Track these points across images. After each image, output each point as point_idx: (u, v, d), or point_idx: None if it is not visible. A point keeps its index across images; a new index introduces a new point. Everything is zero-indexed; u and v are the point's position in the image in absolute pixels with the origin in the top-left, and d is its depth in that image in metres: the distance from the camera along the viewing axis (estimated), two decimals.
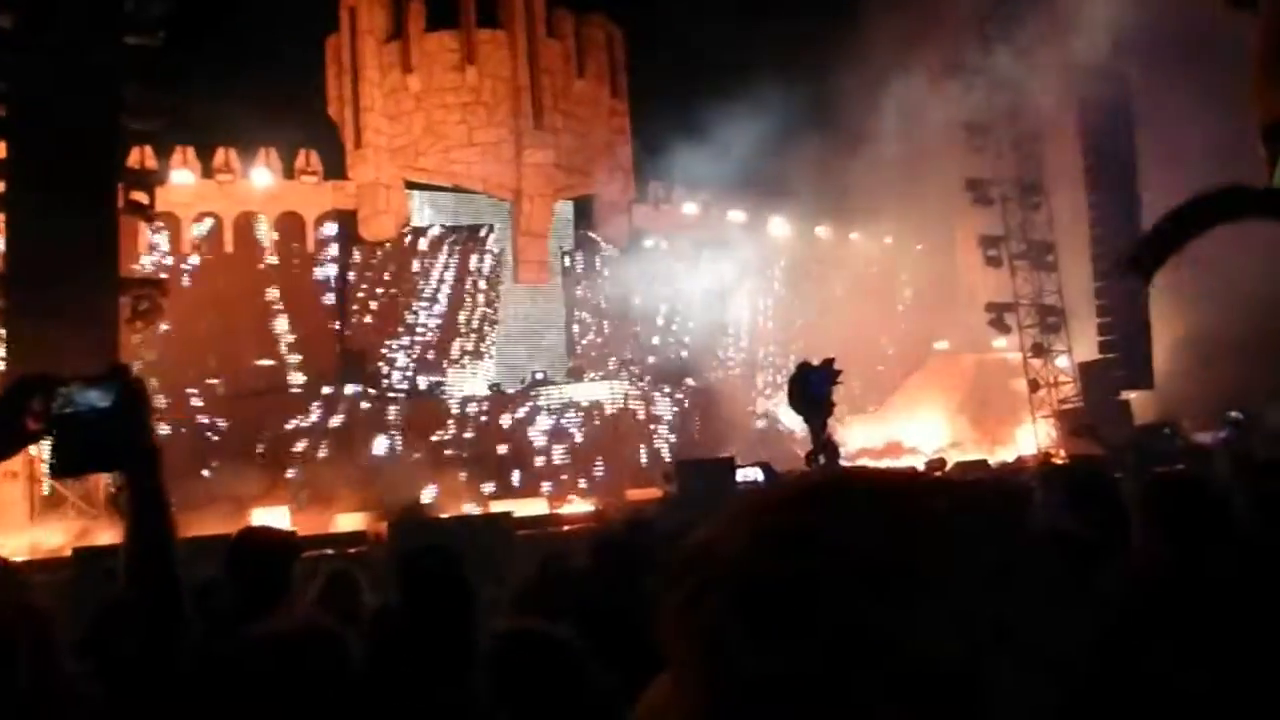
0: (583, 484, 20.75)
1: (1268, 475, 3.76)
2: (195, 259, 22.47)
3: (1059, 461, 16.24)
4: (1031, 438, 22.91)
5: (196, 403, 21.21)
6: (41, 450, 1.79)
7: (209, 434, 20.87)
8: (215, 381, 21.64)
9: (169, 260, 21.95)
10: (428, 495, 18.05)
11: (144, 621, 1.76)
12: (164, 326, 18.03)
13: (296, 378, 22.32)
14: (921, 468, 16.20)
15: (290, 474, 19.49)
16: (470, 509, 16.98)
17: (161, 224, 20.43)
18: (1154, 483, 2.96)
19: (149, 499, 1.76)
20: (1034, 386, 23.16)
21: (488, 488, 20.09)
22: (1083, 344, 22.74)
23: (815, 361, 5.66)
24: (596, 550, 3.71)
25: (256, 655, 1.45)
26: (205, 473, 19.28)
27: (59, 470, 1.78)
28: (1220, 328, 19.44)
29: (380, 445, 20.62)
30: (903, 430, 25.53)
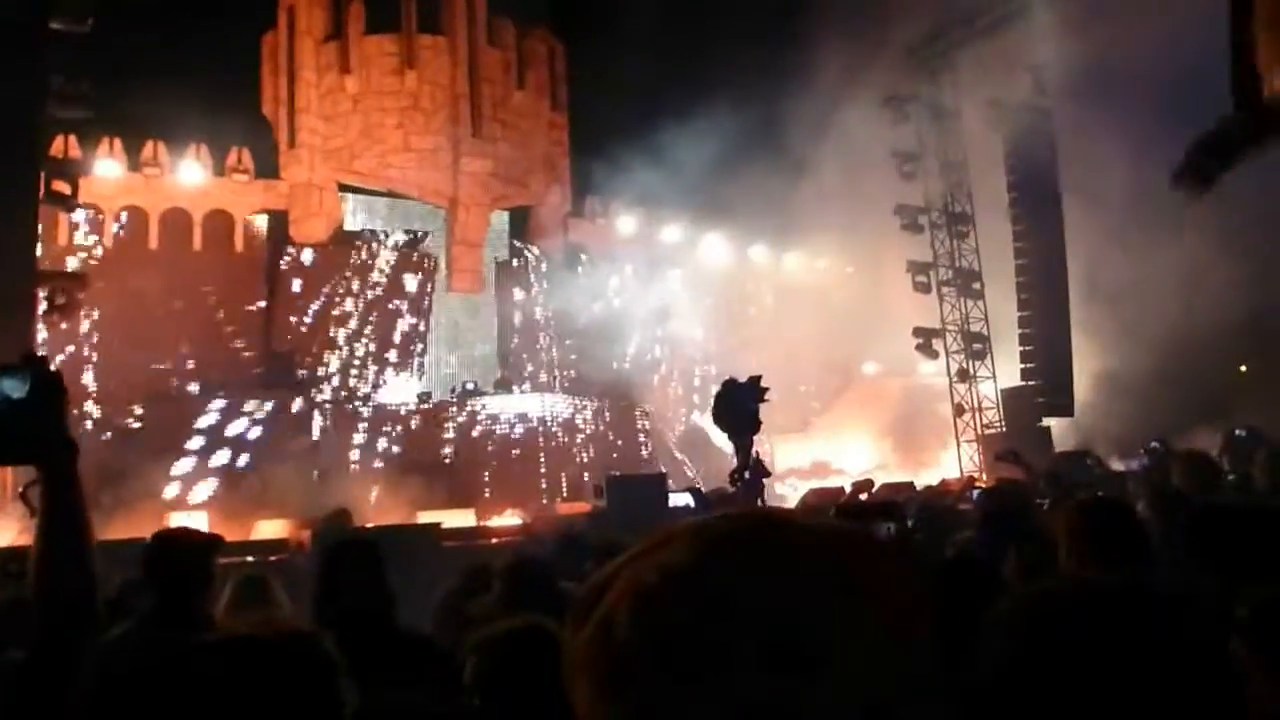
0: (511, 497, 20.59)
1: (1178, 504, 3.89)
2: (111, 253, 21.83)
3: (984, 484, 16.60)
4: (956, 461, 23.37)
5: (115, 401, 20.54)
6: None
7: (126, 435, 20.23)
8: (140, 379, 21.01)
9: (92, 252, 21.29)
10: (352, 504, 17.70)
11: (52, 622, 1.69)
12: (83, 321, 17.48)
13: (223, 380, 21.78)
14: (849, 489, 16.40)
15: (210, 479, 19.01)
16: (397, 519, 16.72)
17: (85, 215, 19.84)
18: (1080, 506, 3.03)
19: (64, 494, 1.68)
20: (959, 411, 23.63)
21: (415, 498, 19.81)
22: (1006, 371, 23.28)
23: (742, 379, 5.68)
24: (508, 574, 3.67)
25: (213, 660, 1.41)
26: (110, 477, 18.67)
27: None
28: (1137, 361, 20.11)
29: (304, 452, 20.20)
30: (830, 451, 25.87)
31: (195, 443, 19.85)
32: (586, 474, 21.43)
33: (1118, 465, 14.11)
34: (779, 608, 0.60)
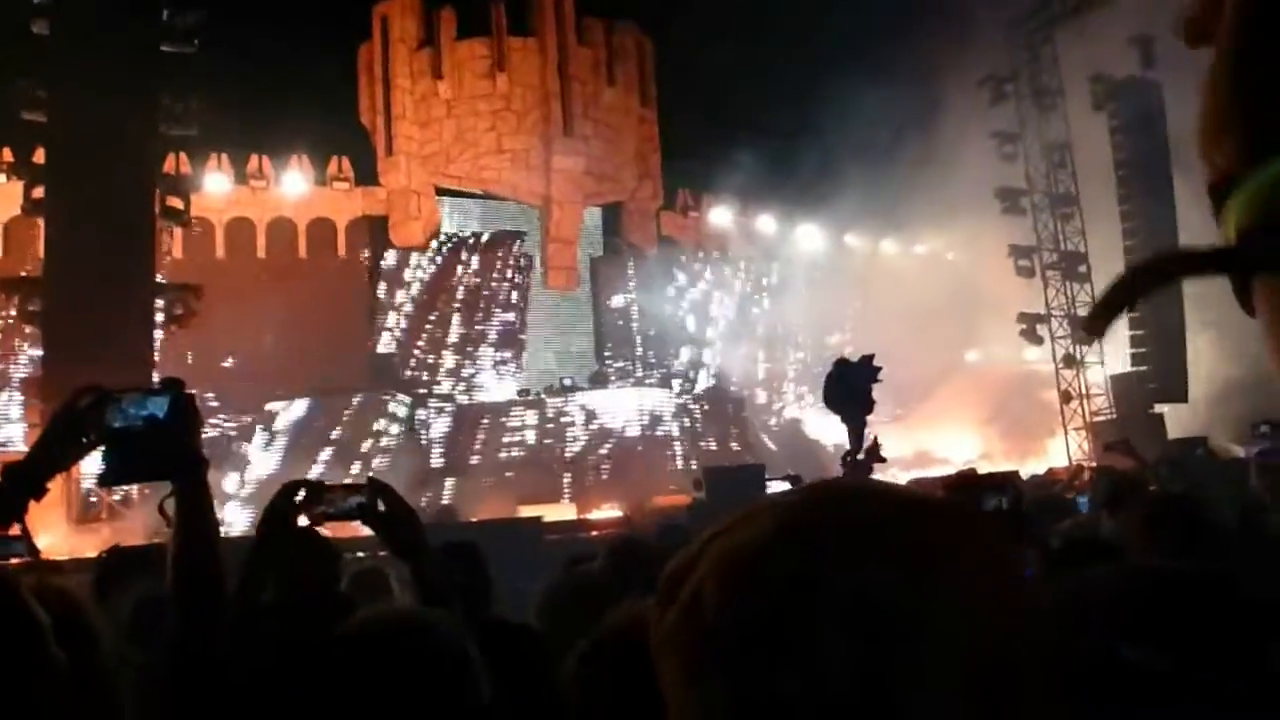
0: (610, 490, 20.74)
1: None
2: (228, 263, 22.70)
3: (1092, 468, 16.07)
4: (1063, 450, 22.66)
5: (230, 407, 21.34)
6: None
7: (244, 439, 21.02)
8: (253, 385, 21.79)
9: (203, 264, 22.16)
10: (456, 501, 18.10)
11: (186, 620, 1.83)
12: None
13: (332, 384, 22.46)
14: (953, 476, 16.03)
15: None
16: (500, 515, 16.99)
17: (197, 228, 20.65)
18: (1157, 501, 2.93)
19: (196, 506, 1.86)
20: (1065, 398, 22.91)
21: (517, 493, 20.11)
22: (1116, 356, 22.47)
23: (854, 359, 5.56)
24: (612, 552, 3.72)
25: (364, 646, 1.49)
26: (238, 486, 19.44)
27: (110, 479, 1.90)
28: (1255, 343, 19.14)
29: (411, 450, 20.69)
30: (932, 440, 25.34)
31: (303, 445, 20.50)
32: (684, 465, 21.44)
33: (1238, 451, 13.51)
34: (863, 578, 0.59)
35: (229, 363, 22.01)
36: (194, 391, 1.96)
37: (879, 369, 5.03)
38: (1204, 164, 0.58)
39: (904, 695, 0.57)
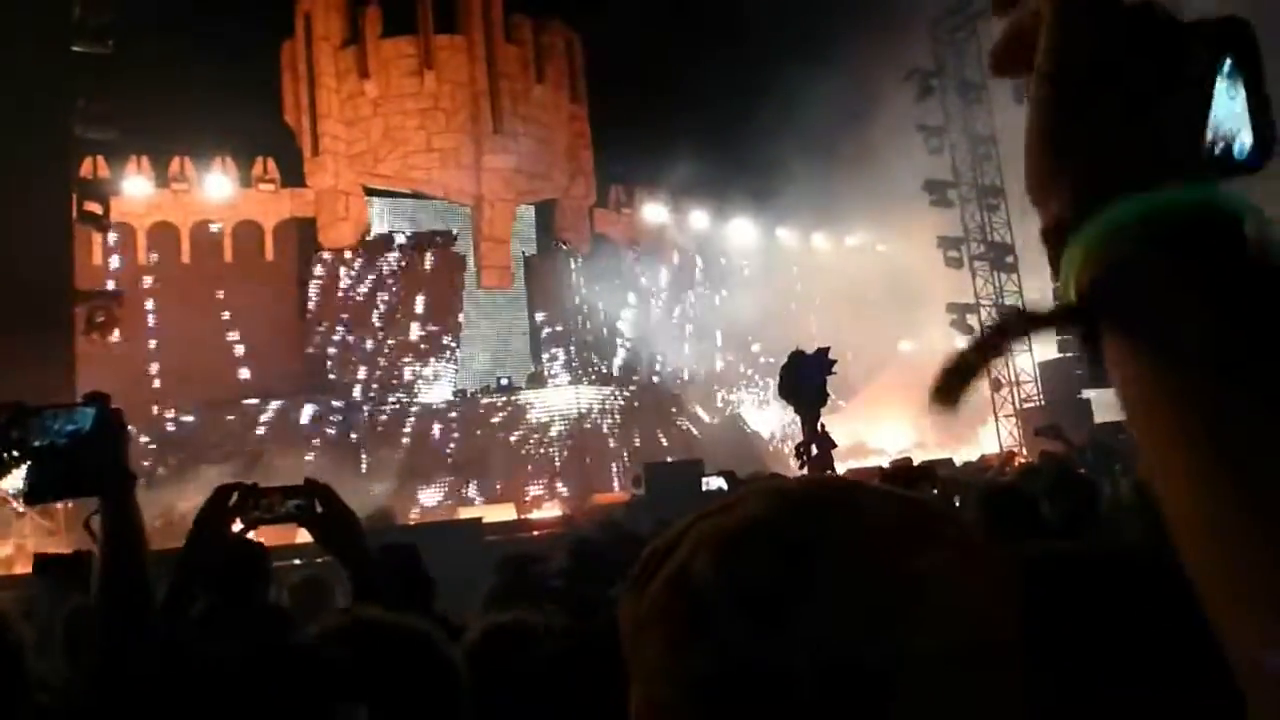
0: (549, 490, 20.68)
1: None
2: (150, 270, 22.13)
3: (1023, 459, 16.43)
4: (995, 437, 23.15)
5: (157, 413, 20.82)
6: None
7: (171, 444, 20.52)
8: (178, 391, 21.29)
9: (124, 271, 21.58)
10: (393, 503, 17.86)
11: (111, 631, 1.81)
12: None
13: (257, 388, 22.04)
14: (886, 467, 16.28)
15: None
16: (438, 516, 16.84)
17: (116, 234, 20.10)
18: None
19: (123, 521, 1.84)
20: (996, 386, 23.39)
21: (455, 494, 19.95)
22: (1044, 343, 23.00)
23: (808, 351, 5.58)
24: (572, 551, 3.72)
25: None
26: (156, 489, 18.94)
27: (35, 497, 1.87)
28: None
29: (345, 453, 20.39)
30: (868, 430, 25.70)
31: (234, 450, 20.08)
32: (622, 463, 21.47)
33: None
34: (863, 559, 0.60)
35: (154, 369, 21.44)
36: (119, 406, 1.94)
37: (834, 361, 5.06)
38: (1037, 209, 0.57)
39: (899, 666, 0.57)
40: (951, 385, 0.57)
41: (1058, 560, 1.18)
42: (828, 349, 5.08)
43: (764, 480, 0.73)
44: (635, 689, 0.64)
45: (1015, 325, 0.57)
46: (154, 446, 19.99)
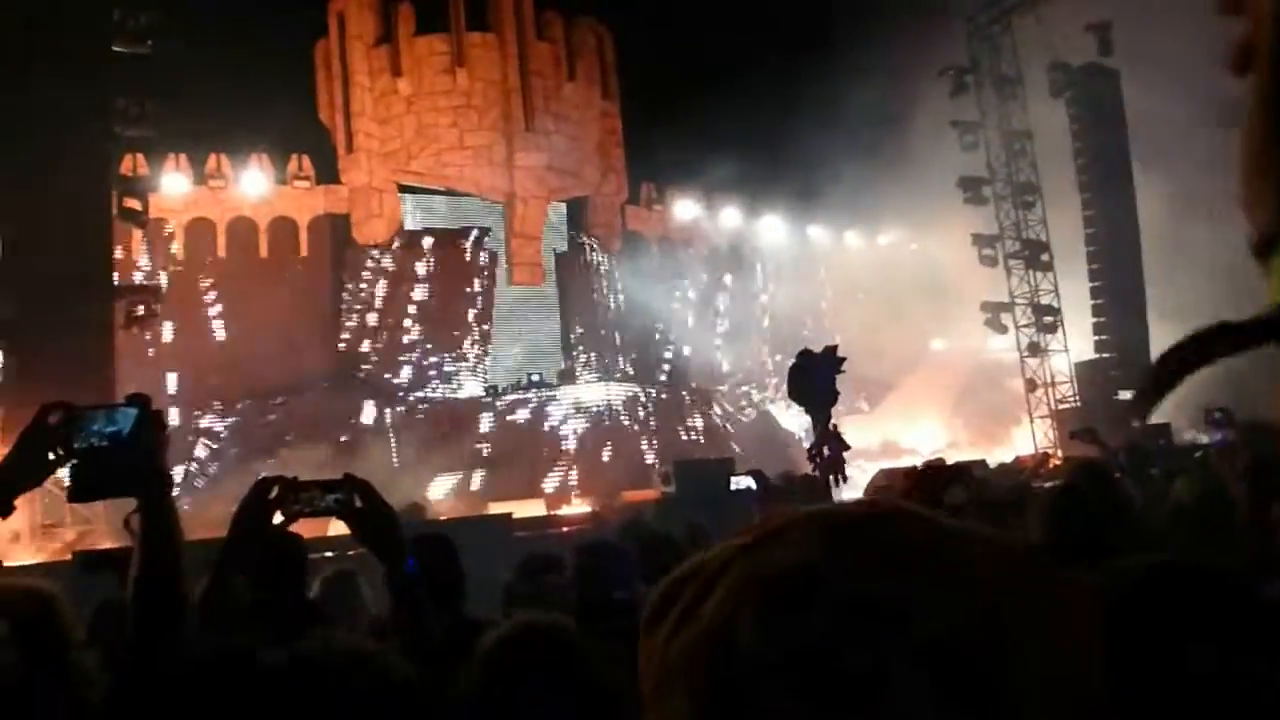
0: (579, 486, 20.72)
1: (1263, 475, 3.70)
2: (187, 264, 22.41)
3: (1058, 460, 16.24)
4: (1029, 437, 22.90)
5: (195, 409, 21.08)
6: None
7: (207, 439, 20.78)
8: (215, 385, 21.55)
9: (163, 265, 21.87)
10: (425, 498, 17.97)
11: (144, 631, 1.84)
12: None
13: (295, 383, 22.28)
14: (919, 467, 16.15)
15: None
16: (469, 511, 16.91)
17: (154, 230, 20.36)
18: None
19: (160, 522, 1.88)
20: (1030, 386, 23.13)
21: (485, 489, 20.04)
22: (1079, 344, 22.71)
23: (817, 350, 5.53)
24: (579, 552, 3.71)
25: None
26: (200, 482, 19.22)
27: (77, 495, 1.91)
28: (1217, 318, 19.37)
29: (378, 448, 20.54)
30: (899, 430, 25.53)
31: (272, 444, 20.30)
32: (652, 460, 21.46)
33: (1202, 438, 13.69)
34: (950, 624, 0.50)
35: (190, 363, 21.70)
36: (158, 409, 1.97)
37: (843, 360, 5.00)
38: (1246, 218, 0.52)
39: None
40: (1148, 397, 0.52)
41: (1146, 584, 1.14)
42: (835, 347, 5.02)
43: (799, 511, 0.57)
44: None
45: (1216, 339, 0.52)
46: (190, 439, 20.24)
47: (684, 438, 22.96)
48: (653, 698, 0.55)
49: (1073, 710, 0.51)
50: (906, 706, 0.48)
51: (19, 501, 1.83)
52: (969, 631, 0.50)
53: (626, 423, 22.42)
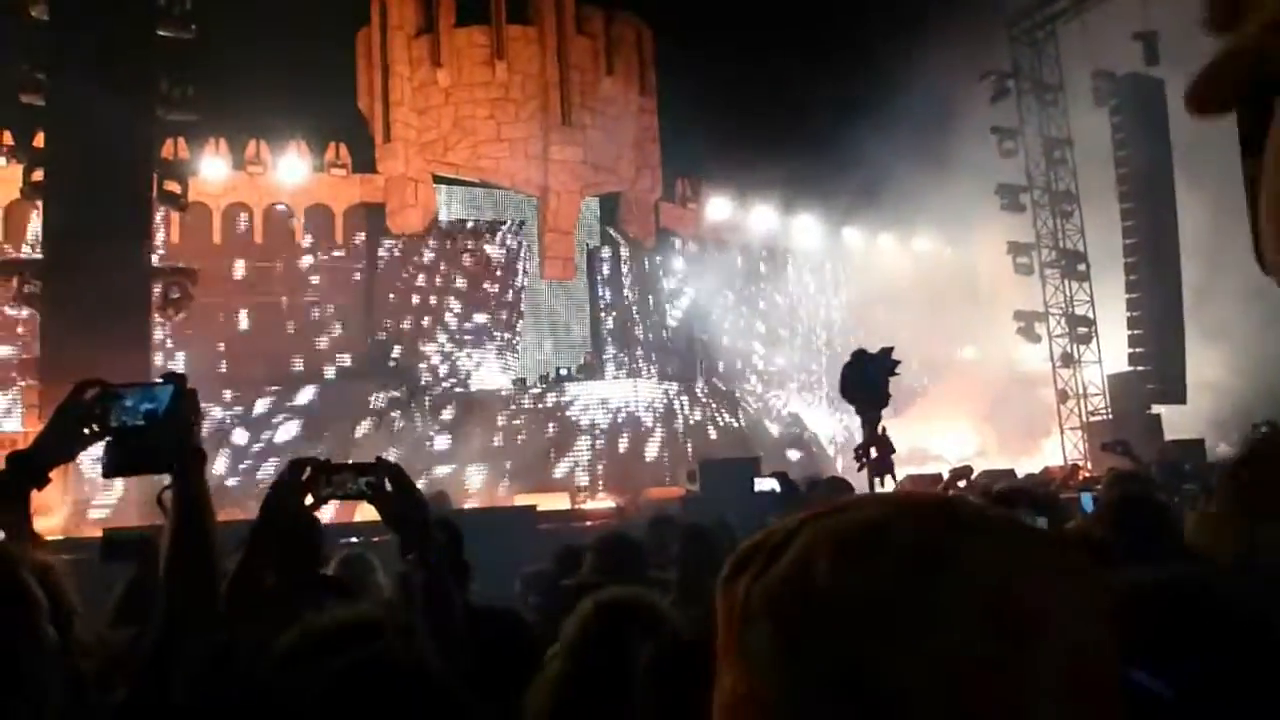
0: (605, 481, 20.75)
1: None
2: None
3: (1088, 473, 16.06)
4: (1059, 449, 22.68)
5: (226, 394, 21.30)
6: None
7: (239, 424, 20.99)
8: (244, 370, 21.78)
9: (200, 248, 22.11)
10: (451, 488, 18.07)
11: (174, 609, 1.84)
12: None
13: (327, 370, 22.50)
14: (946, 475, 16.05)
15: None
16: (494, 502, 17.01)
17: (193, 213, 20.60)
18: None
19: (193, 500, 1.90)
20: (1063, 397, 22.92)
21: (512, 481, 20.13)
22: (1113, 356, 22.44)
23: (872, 350, 5.48)
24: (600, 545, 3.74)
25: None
26: (223, 466, 19.42)
27: (111, 471, 1.93)
28: (1255, 345, 19.13)
29: (407, 437, 20.68)
30: (927, 437, 25.34)
31: (296, 430, 20.50)
32: (678, 457, 21.44)
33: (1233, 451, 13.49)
34: (1002, 573, 0.59)
35: (223, 347, 21.95)
36: (194, 387, 2.00)
37: (897, 362, 4.97)
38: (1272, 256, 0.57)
39: (1029, 698, 0.56)
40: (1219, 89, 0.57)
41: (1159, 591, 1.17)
42: (891, 349, 4.98)
43: (870, 494, 0.70)
44: (729, 678, 0.63)
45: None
46: (227, 421, 20.47)
47: (711, 437, 22.93)
48: (736, 634, 0.62)
49: (1105, 662, 0.60)
50: (960, 636, 0.56)
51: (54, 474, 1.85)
52: (1015, 584, 0.58)
53: (653, 420, 22.42)
